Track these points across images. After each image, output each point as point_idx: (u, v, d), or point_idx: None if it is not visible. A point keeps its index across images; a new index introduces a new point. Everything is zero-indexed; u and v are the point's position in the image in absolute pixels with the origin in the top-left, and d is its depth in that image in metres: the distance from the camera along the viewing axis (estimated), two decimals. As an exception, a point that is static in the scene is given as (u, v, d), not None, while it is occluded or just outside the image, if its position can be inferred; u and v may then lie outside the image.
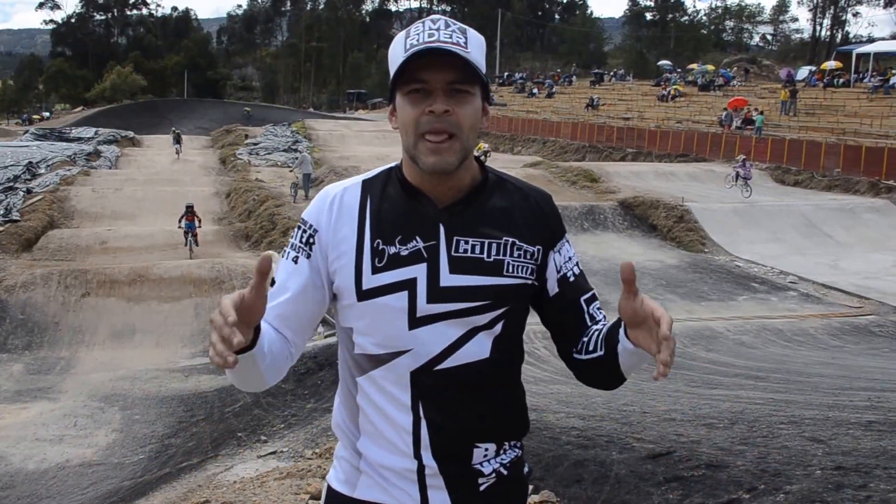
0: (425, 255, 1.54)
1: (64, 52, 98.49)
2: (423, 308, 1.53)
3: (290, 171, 26.44)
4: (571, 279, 1.66)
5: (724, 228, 19.85)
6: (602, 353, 1.57)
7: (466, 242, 1.56)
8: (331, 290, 1.60)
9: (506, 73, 64.74)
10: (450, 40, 1.49)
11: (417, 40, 1.49)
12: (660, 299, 15.24)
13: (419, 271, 1.54)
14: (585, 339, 1.62)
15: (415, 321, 1.53)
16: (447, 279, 1.54)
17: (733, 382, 8.90)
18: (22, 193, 23.71)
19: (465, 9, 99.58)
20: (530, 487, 4.34)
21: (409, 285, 1.53)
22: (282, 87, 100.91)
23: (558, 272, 1.65)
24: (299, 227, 1.64)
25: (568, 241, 1.69)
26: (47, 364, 13.31)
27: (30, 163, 30.44)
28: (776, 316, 14.05)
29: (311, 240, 1.60)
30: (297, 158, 27.54)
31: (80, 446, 10.03)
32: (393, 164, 1.67)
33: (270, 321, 1.56)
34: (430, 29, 1.50)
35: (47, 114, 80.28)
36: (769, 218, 20.43)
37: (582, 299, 1.66)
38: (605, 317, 1.67)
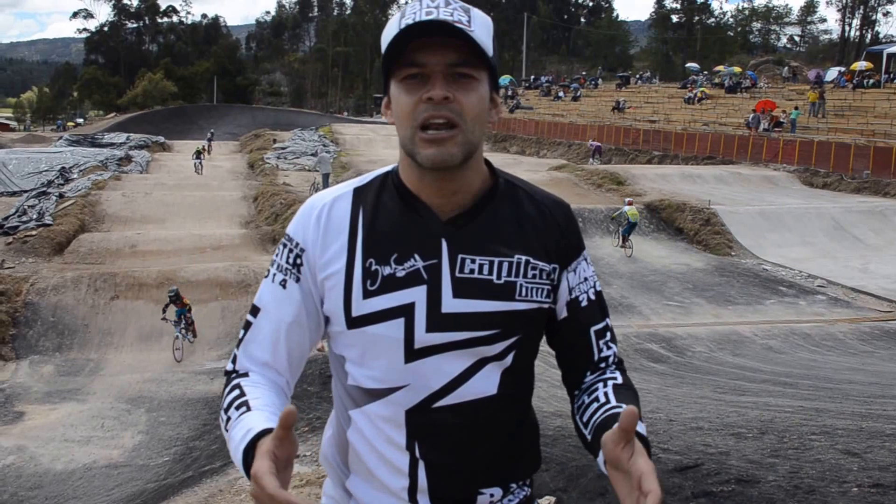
0: (425, 276, 1.35)
1: (97, 59, 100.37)
2: (422, 338, 1.34)
3: (309, 170, 26.67)
4: (584, 304, 1.46)
5: (751, 231, 19.64)
6: (589, 439, 1.37)
7: (473, 261, 1.36)
8: (325, 314, 1.42)
9: (532, 77, 64.56)
10: (450, 18, 1.29)
11: (413, 18, 1.29)
12: (686, 303, 15.12)
13: (417, 295, 1.34)
14: (587, 400, 1.42)
15: (412, 353, 1.34)
16: (450, 304, 1.35)
17: (761, 389, 8.79)
18: (55, 198, 24.14)
19: (492, 13, 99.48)
20: (552, 500, 4.26)
21: (406, 311, 1.34)
22: (310, 91, 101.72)
23: (570, 294, 1.45)
24: (284, 245, 1.44)
25: (586, 259, 1.49)
26: (77, 366, 13.55)
27: (63, 168, 31.13)
28: (804, 320, 13.88)
29: (299, 260, 1.41)
30: (318, 159, 27.87)
31: (106, 447, 10.19)
32: (389, 168, 1.46)
33: (261, 361, 1.41)
34: (428, 6, 1.30)
35: (81, 120, 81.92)
36: (797, 221, 20.16)
37: (592, 330, 1.47)
38: (614, 354, 1.49)
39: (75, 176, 30.16)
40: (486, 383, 1.38)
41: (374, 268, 1.35)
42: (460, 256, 1.36)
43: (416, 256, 1.35)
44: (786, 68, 47.13)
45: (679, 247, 19.43)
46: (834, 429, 5.31)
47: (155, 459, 9.67)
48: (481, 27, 1.32)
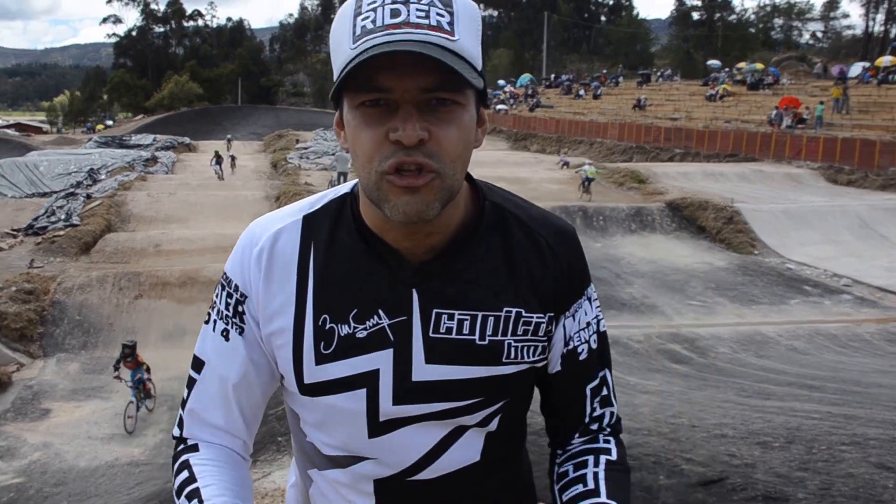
0: (391, 336, 1.10)
1: (126, 63, 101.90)
2: (388, 410, 1.11)
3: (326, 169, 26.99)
4: (582, 356, 1.20)
5: (774, 230, 19.38)
6: None
7: (450, 317, 1.10)
8: (279, 371, 1.18)
9: (552, 75, 64.35)
10: (425, 21, 0.96)
11: (373, 22, 0.97)
12: (709, 303, 15.00)
13: (382, 361, 1.10)
14: (571, 474, 1.20)
15: (377, 427, 1.12)
16: (422, 371, 1.10)
17: (786, 392, 8.64)
18: (82, 199, 24.57)
19: (512, 12, 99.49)
20: None
21: (368, 381, 1.10)
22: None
23: (566, 345, 1.19)
24: (222, 286, 1.17)
25: (589, 299, 1.21)
26: (101, 364, 13.74)
27: (91, 169, 31.70)
28: (830, 320, 13.67)
29: (240, 307, 1.15)
30: (335, 157, 28.15)
31: (129, 445, 10.35)
32: (346, 189, 1.17)
33: (211, 425, 1.19)
34: (394, 1, 0.97)
35: (110, 122, 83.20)
36: (821, 219, 19.85)
37: (588, 388, 1.22)
38: (611, 415, 1.25)
39: (103, 177, 30.69)
40: (467, 452, 1.16)
41: (328, 326, 1.10)
42: (435, 312, 1.10)
43: (381, 313, 1.10)
44: (818, 64, 46.45)
45: (701, 245, 19.23)
46: (865, 438, 5.09)
47: (176, 458, 9.78)
48: (467, 27, 1.00)
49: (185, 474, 1.14)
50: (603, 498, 1.13)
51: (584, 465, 1.19)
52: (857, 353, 11.87)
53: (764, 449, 4.80)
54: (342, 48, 1.00)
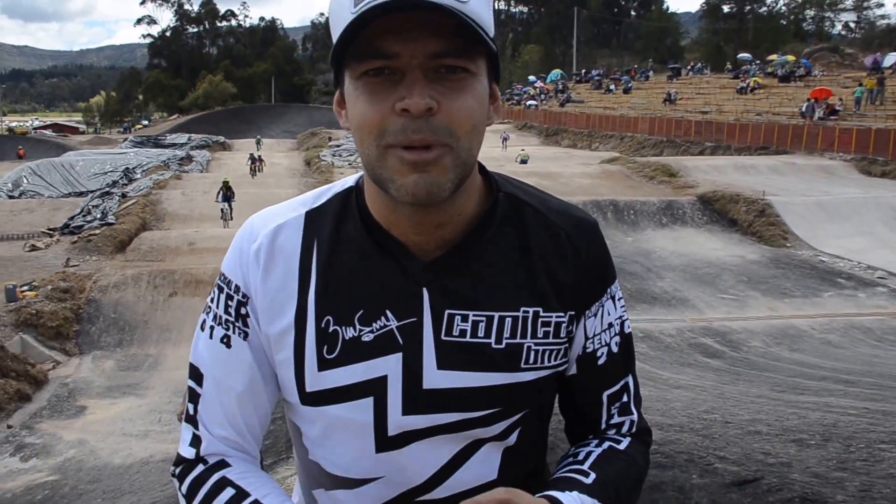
0: (400, 340, 1.01)
1: (160, 63, 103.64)
2: (398, 422, 1.02)
3: (350, 165, 27.10)
4: (601, 360, 1.10)
5: (807, 222, 19.10)
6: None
7: (464, 319, 1.02)
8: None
9: (583, 71, 63.99)
10: None
11: None
12: (741, 296, 14.84)
13: (390, 366, 1.01)
14: (571, 452, 1.14)
15: (385, 441, 1.03)
16: (434, 378, 1.01)
17: (821, 387, 8.49)
18: (118, 198, 25.03)
19: (542, 8, 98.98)
20: None
21: (375, 388, 1.01)
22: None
23: (584, 348, 1.09)
24: (219, 288, 1.08)
25: (613, 297, 1.11)
26: (136, 361, 14.01)
27: (126, 169, 32.29)
28: (865, 313, 13.44)
29: (243, 309, 1.05)
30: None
31: (163, 442, 10.48)
32: (351, 182, 1.08)
33: (226, 439, 1.07)
34: None
35: (146, 122, 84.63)
36: (855, 211, 19.51)
37: (606, 394, 1.13)
38: (631, 423, 1.15)
39: (138, 176, 31.23)
40: (483, 469, 1.06)
41: (332, 328, 1.01)
42: (447, 313, 1.01)
43: (389, 313, 1.01)
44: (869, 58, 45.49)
45: (733, 238, 19.01)
46: None
47: (209, 453, 9.91)
48: None
49: (230, 491, 1.03)
50: (584, 466, 1.06)
51: (586, 444, 1.13)
52: (894, 346, 11.65)
53: (800, 447, 4.63)
54: (342, 13, 0.91)
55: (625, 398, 1.13)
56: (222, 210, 23.19)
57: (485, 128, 0.97)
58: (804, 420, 5.87)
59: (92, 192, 27.58)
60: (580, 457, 1.08)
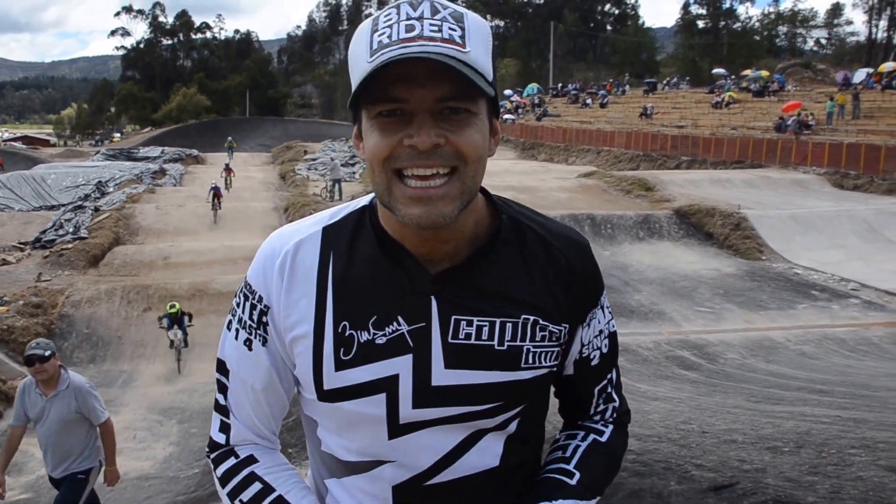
0: (410, 342, 1.13)
1: (133, 75, 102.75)
2: (408, 414, 1.14)
3: (323, 177, 28.83)
4: (594, 362, 1.27)
5: (781, 235, 19.35)
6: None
7: (469, 323, 1.13)
8: (295, 377, 1.24)
9: (559, 85, 64.48)
10: (438, 35, 1.02)
11: (389, 37, 1.02)
12: (717, 309, 14.96)
13: (402, 366, 1.13)
14: (560, 442, 1.31)
15: (397, 429, 1.15)
16: (442, 376, 1.13)
17: (796, 397, 8.59)
18: (90, 211, 24.66)
19: (518, 22, 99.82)
20: None
21: (388, 386, 1.13)
22: (340, 103, 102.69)
23: (580, 353, 1.26)
24: (245, 296, 1.21)
25: (602, 307, 1.26)
26: (110, 377, 13.77)
27: (99, 182, 31.82)
28: (838, 325, 13.63)
29: (264, 318, 1.19)
30: (331, 165, 29.77)
31: (138, 459, 10.30)
32: (366, 201, 1.21)
33: (254, 430, 1.25)
34: (409, 18, 1.03)
35: (118, 135, 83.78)
36: (828, 224, 19.81)
37: (596, 389, 1.31)
38: (613, 409, 1.34)
39: (111, 189, 30.81)
40: (486, 456, 1.18)
41: (348, 333, 1.13)
42: (454, 318, 1.13)
43: (400, 319, 1.13)
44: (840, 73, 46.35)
45: (709, 252, 19.19)
46: (875, 442, 5.09)
47: (185, 471, 9.74)
48: (478, 41, 1.06)
49: (257, 485, 1.20)
50: (570, 466, 1.23)
51: (574, 437, 1.30)
52: (866, 356, 11.82)
53: (774, 454, 4.80)
54: (360, 63, 1.05)
55: (609, 389, 1.32)
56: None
57: (487, 159, 1.10)
58: (779, 428, 5.97)
59: (64, 205, 27.15)
60: (567, 452, 1.26)
